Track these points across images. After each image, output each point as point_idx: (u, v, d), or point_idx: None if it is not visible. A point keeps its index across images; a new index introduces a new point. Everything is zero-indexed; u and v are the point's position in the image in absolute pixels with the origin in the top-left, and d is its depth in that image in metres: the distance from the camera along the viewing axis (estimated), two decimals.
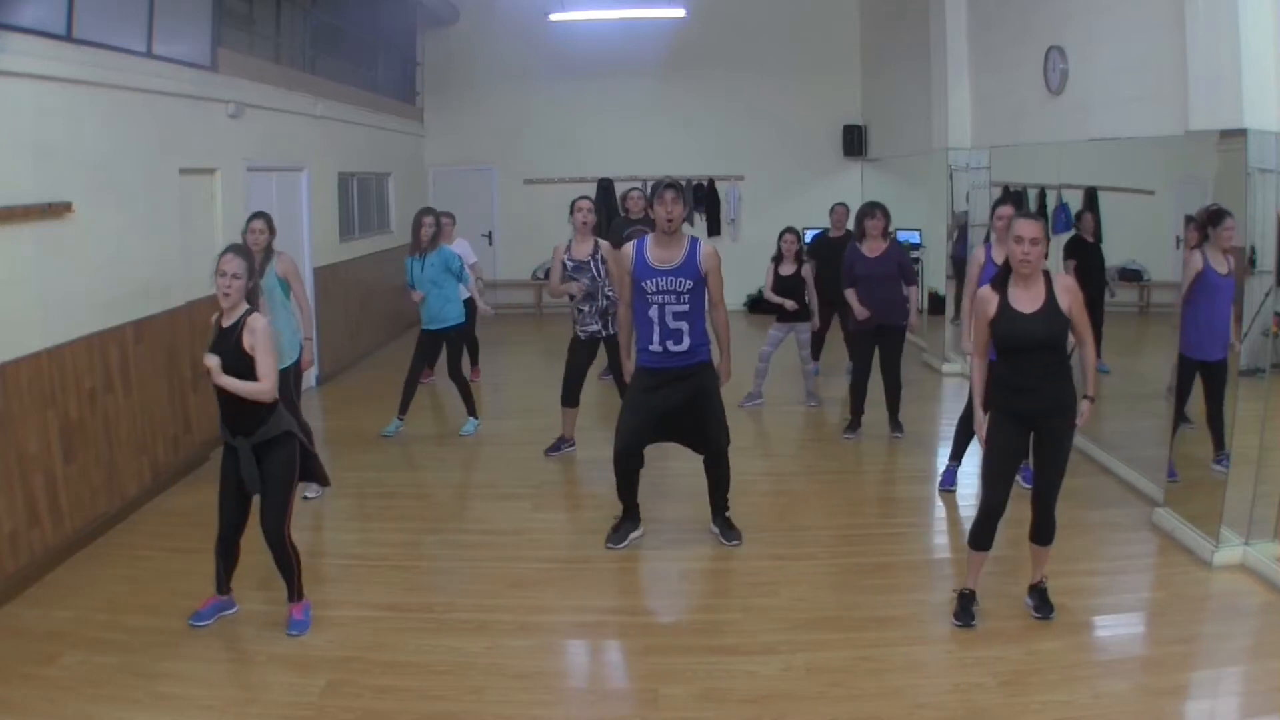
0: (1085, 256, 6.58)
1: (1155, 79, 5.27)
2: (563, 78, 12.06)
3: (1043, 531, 3.93)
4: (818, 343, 8.63)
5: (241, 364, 3.77)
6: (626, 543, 4.88)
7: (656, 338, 4.61)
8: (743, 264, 10.19)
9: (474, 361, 8.62)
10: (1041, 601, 4.01)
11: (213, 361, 3.76)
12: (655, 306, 4.58)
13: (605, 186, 12.11)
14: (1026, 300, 3.72)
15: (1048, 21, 6.80)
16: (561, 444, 6.41)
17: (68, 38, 4.91)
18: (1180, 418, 4.97)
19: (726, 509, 4.98)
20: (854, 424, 6.71)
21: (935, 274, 9.38)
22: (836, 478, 5.96)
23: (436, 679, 3.66)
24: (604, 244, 6.14)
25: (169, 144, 5.93)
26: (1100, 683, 3.52)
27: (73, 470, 4.84)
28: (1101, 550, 4.73)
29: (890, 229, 6.56)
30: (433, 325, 6.73)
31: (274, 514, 3.90)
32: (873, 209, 6.49)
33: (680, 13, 10.47)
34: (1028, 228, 3.66)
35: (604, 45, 11.64)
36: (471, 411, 6.96)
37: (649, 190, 4.70)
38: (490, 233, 12.69)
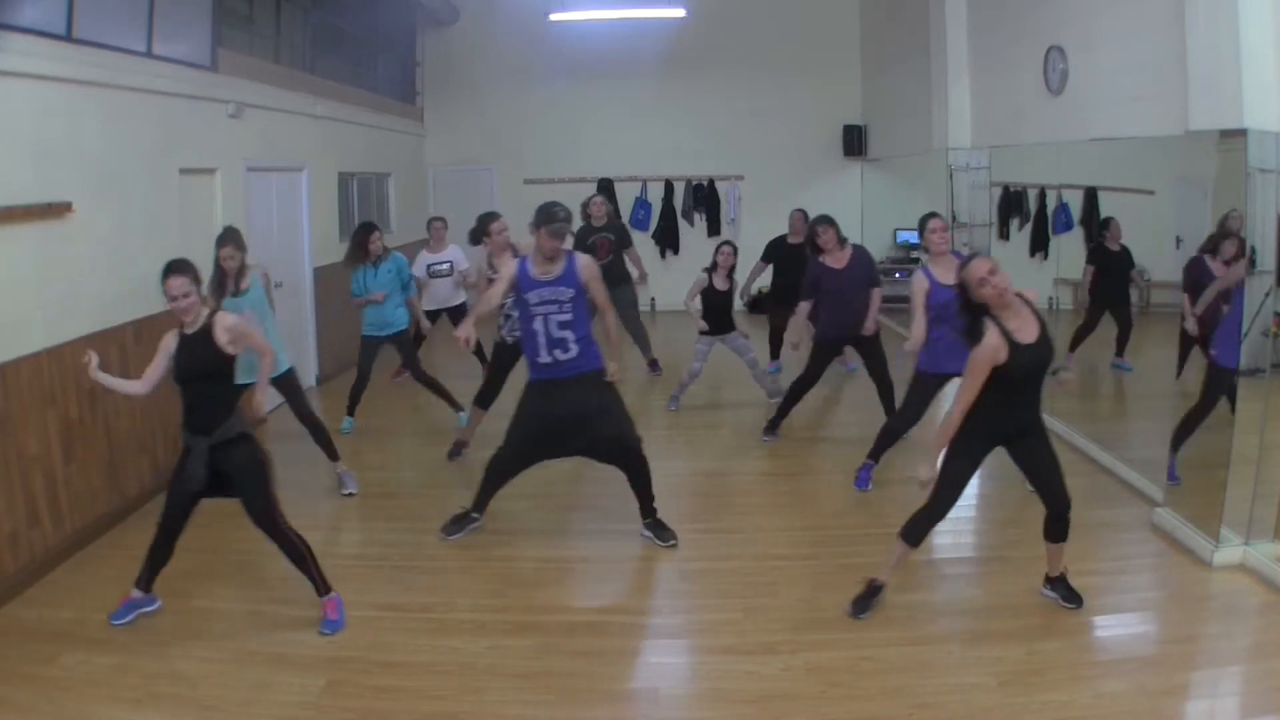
0: (1108, 263, 6.61)
1: (1155, 79, 5.27)
2: (563, 78, 12.04)
3: (1058, 530, 3.98)
4: (776, 342, 8.62)
5: (219, 362, 3.91)
6: (464, 533, 4.96)
7: (544, 348, 4.65)
8: (743, 264, 10.16)
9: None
10: (1069, 592, 4.07)
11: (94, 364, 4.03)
12: (540, 318, 4.64)
13: (605, 187, 12.11)
14: (1025, 332, 3.74)
15: (1048, 21, 6.79)
16: (462, 448, 6.37)
17: (68, 38, 4.91)
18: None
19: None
20: (773, 425, 6.64)
21: None
22: (835, 478, 5.94)
23: (436, 679, 3.66)
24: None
25: (169, 144, 5.93)
26: (1100, 683, 3.53)
27: (73, 470, 4.85)
28: (1101, 550, 4.73)
29: (842, 238, 6.33)
30: (383, 331, 6.71)
31: (261, 512, 3.94)
32: (818, 223, 6.28)
33: (680, 13, 10.45)
34: (982, 266, 3.69)
35: (604, 45, 11.62)
36: (455, 405, 6.92)
37: (535, 215, 4.72)
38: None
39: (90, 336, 5.02)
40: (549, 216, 4.60)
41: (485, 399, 6.24)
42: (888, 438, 5.65)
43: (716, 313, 7.20)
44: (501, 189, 12.46)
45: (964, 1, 8.41)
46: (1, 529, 4.31)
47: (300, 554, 4.01)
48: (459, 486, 6.08)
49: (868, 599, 4.09)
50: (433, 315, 8.03)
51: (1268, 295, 4.48)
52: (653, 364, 8.68)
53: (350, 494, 5.62)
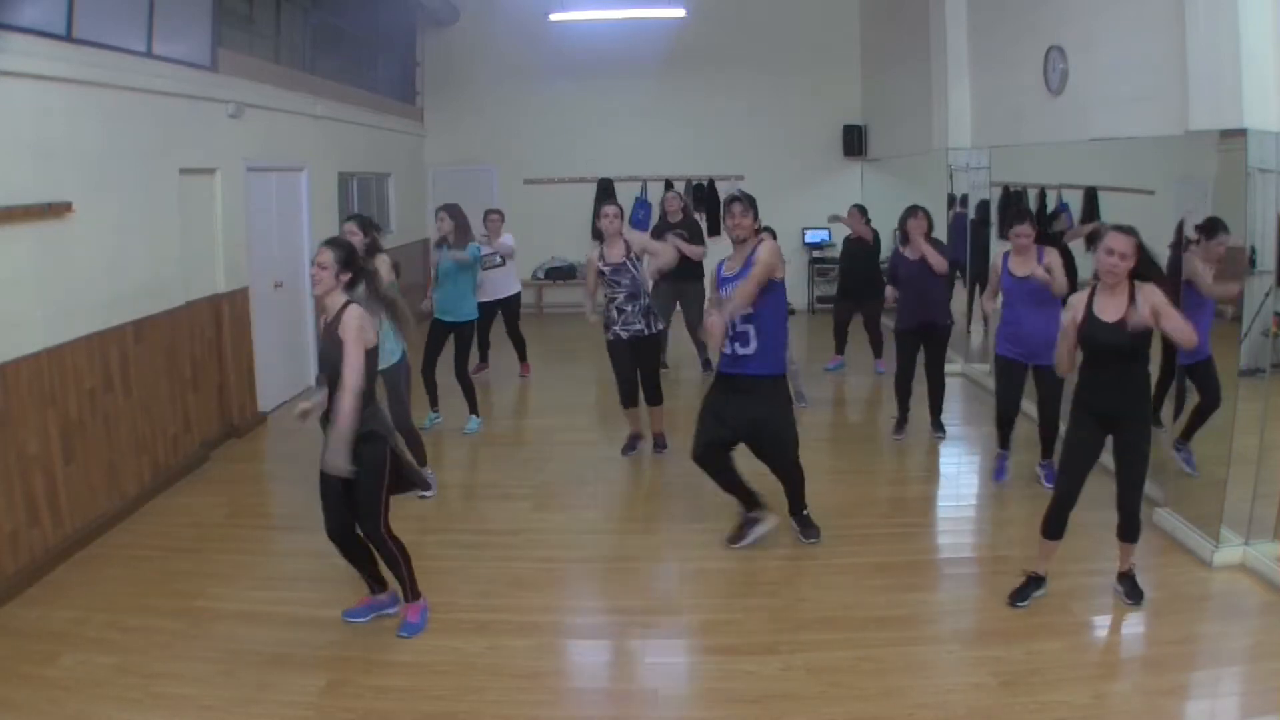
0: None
1: (1155, 79, 5.27)
2: (563, 78, 12.05)
3: (1127, 530, 4.08)
4: (840, 336, 8.65)
5: (339, 353, 3.74)
6: (750, 539, 4.82)
7: (727, 339, 4.61)
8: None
9: (522, 358, 8.69)
10: (1131, 588, 4.14)
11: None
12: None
13: (605, 187, 12.11)
14: (1111, 309, 3.86)
15: (1048, 21, 6.79)
16: (636, 441, 6.38)
17: (68, 38, 4.91)
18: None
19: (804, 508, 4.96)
20: (901, 423, 6.69)
21: None
22: (837, 477, 5.95)
23: (436, 679, 3.66)
24: (633, 238, 6.08)
25: (169, 144, 5.93)
26: (1100, 683, 3.53)
27: (73, 470, 4.85)
28: (1102, 550, 4.71)
29: (930, 230, 6.43)
30: (445, 317, 6.76)
31: (366, 516, 3.85)
32: (914, 211, 6.40)
33: (680, 13, 10.45)
34: (1117, 241, 3.83)
35: (604, 45, 11.63)
36: (473, 409, 6.96)
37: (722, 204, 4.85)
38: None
39: (90, 336, 5.04)
40: (723, 203, 4.79)
41: (629, 399, 6.27)
42: (1003, 428, 5.72)
43: None
44: (501, 189, 12.46)
45: (964, 1, 8.41)
46: (1, 529, 4.31)
47: (396, 560, 3.95)
48: (459, 488, 6.09)
49: (1027, 590, 4.14)
50: (489, 308, 8.01)
51: (1268, 295, 4.48)
52: (707, 364, 8.56)
53: (426, 496, 5.35)
